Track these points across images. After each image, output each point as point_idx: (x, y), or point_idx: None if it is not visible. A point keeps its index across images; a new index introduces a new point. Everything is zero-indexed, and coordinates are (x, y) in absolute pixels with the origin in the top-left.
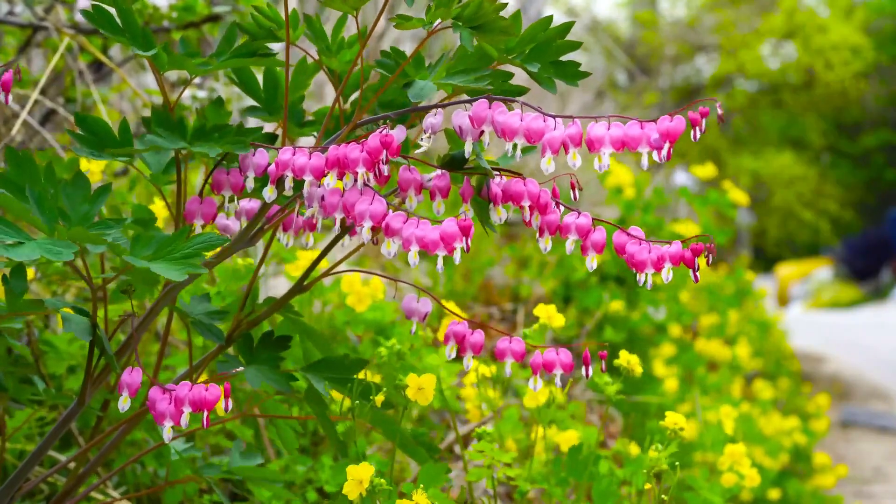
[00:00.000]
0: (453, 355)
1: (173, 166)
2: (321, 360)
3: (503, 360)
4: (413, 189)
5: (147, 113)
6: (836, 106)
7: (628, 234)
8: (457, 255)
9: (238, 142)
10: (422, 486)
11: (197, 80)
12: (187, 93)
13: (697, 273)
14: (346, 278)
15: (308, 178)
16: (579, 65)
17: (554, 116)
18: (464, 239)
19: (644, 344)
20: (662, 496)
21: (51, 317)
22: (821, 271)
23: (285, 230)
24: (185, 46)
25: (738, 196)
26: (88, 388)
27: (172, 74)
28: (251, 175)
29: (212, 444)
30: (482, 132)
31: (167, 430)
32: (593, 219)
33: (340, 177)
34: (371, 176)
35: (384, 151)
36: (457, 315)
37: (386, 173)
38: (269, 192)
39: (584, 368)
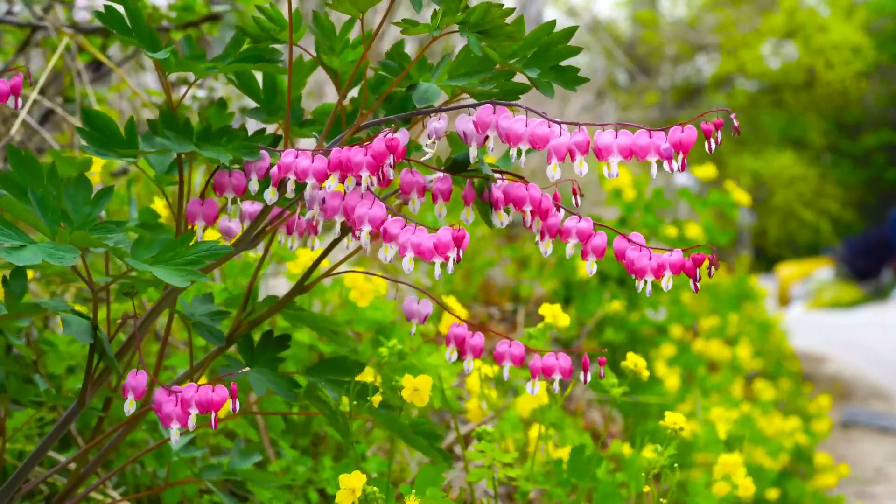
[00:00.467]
0: (454, 358)
1: (174, 166)
2: (321, 362)
3: (502, 364)
4: (416, 192)
5: (146, 113)
6: (837, 105)
7: (629, 240)
8: (450, 265)
9: (246, 147)
10: (417, 491)
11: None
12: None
13: (698, 283)
14: (349, 275)
15: (310, 182)
16: (578, 70)
17: (560, 123)
18: (456, 249)
19: (645, 344)
20: (661, 500)
21: (50, 317)
22: (821, 271)
23: (289, 233)
24: (190, 48)
25: (741, 196)
26: (89, 389)
27: (172, 74)
28: (255, 178)
29: (212, 444)
30: (486, 137)
31: (174, 433)
32: (594, 223)
33: (342, 180)
34: (374, 179)
35: (390, 155)
36: (456, 316)
37: (391, 177)
38: (271, 195)
39: (582, 374)
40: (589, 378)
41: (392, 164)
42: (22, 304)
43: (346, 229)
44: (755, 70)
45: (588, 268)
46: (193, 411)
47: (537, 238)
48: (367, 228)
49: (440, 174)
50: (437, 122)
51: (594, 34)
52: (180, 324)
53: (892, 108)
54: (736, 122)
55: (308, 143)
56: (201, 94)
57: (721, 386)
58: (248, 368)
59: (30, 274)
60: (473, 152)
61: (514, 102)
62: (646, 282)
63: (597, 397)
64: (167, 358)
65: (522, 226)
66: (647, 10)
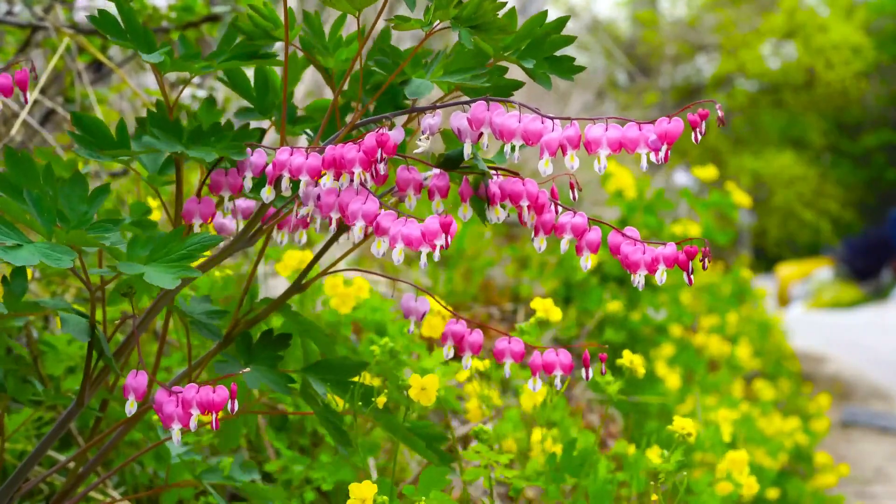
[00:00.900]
0: (451, 354)
1: (171, 166)
2: (321, 362)
3: (502, 361)
4: (412, 188)
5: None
6: (837, 106)
7: (623, 235)
8: (436, 253)
9: (234, 146)
10: (421, 492)
11: (196, 80)
12: (187, 91)
13: (692, 276)
14: (329, 280)
15: (304, 178)
16: (573, 59)
17: (552, 118)
18: (444, 236)
19: (645, 344)
20: None
21: (50, 317)
22: (821, 271)
23: (279, 228)
24: (185, 47)
25: (741, 198)
26: (87, 389)
27: (172, 74)
28: (249, 176)
29: (211, 444)
30: (481, 134)
31: (176, 433)
32: (589, 218)
33: (337, 177)
34: (368, 176)
35: (379, 150)
36: (452, 312)
37: (383, 172)
38: (267, 193)
39: (584, 371)
40: (591, 375)
41: (381, 159)
42: (22, 303)
43: (343, 227)
44: (755, 70)
45: (583, 263)
46: (195, 412)
47: (532, 234)
48: (360, 223)
49: (436, 171)
50: (431, 119)
51: (594, 34)
52: (177, 323)
53: (892, 108)
54: (720, 113)
55: (302, 139)
56: (202, 93)
57: (720, 385)
58: (248, 369)
59: (29, 274)
60: (467, 149)
61: (509, 99)
62: (640, 275)
63: (597, 398)
64: (164, 357)
65: (519, 221)
66: (647, 10)
